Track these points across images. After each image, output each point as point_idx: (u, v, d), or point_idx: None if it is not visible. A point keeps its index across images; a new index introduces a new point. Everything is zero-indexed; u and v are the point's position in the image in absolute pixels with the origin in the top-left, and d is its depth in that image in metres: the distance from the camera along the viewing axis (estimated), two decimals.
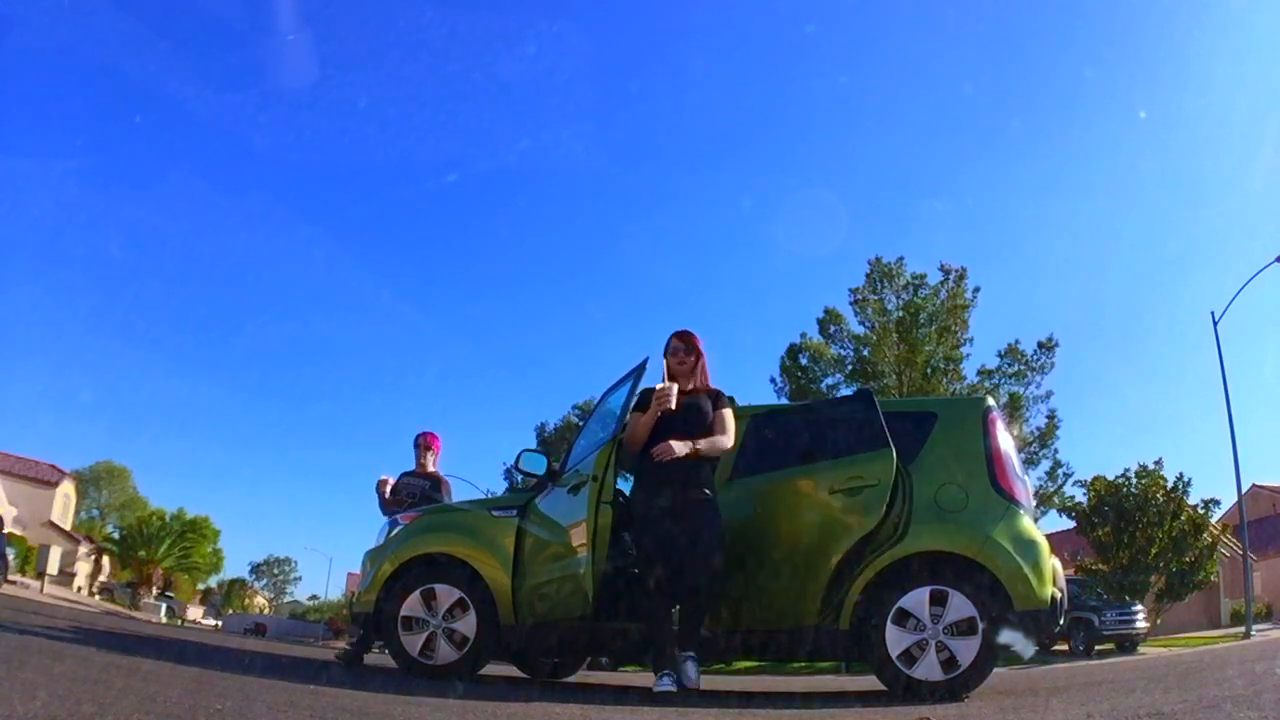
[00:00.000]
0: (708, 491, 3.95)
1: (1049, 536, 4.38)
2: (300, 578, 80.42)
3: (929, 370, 24.17)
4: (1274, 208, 49.86)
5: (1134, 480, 20.40)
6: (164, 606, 38.12)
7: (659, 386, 4.03)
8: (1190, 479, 20.11)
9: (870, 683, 4.84)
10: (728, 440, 4.05)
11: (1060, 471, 24.27)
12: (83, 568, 41.41)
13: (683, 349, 4.19)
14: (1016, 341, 24.84)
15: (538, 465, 4.70)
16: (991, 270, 60.48)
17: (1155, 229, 60.68)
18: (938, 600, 3.77)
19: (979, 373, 24.72)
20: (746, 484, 4.33)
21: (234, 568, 79.89)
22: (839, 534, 3.99)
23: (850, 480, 4.05)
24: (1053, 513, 23.47)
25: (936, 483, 4.05)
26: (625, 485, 4.74)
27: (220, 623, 43.48)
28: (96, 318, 75.15)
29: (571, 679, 5.76)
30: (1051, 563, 4.02)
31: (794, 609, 4.02)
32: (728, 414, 4.11)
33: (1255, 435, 62.58)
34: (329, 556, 77.98)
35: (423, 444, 6.43)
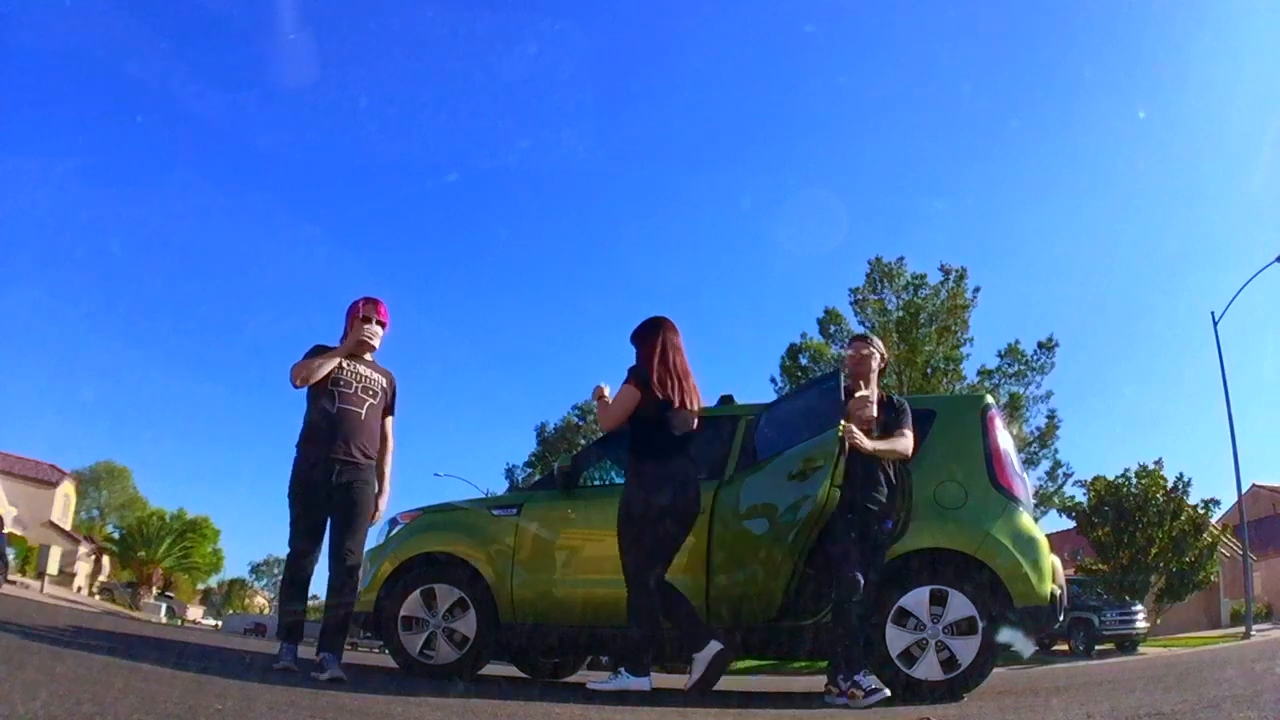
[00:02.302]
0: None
1: (1049, 536, 4.39)
2: None
3: (929, 370, 24.17)
4: (1274, 208, 49.87)
5: (1134, 480, 20.41)
6: (164, 606, 38.13)
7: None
8: (1190, 479, 20.17)
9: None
10: (606, 412, 4.04)
11: (1060, 471, 24.28)
12: (83, 568, 41.40)
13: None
14: (1016, 341, 24.86)
15: None
16: (991, 270, 60.44)
17: (1155, 229, 60.65)
18: (937, 600, 3.78)
19: (979, 373, 24.72)
20: (738, 481, 4.33)
21: (234, 568, 79.99)
22: (796, 521, 3.91)
23: (805, 464, 3.98)
24: (1053, 513, 23.49)
25: (936, 480, 4.05)
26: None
27: (220, 623, 43.47)
28: (97, 317, 75.24)
29: (571, 679, 5.76)
30: (1051, 560, 4.03)
31: (765, 603, 3.96)
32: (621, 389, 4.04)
33: (1255, 435, 62.56)
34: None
35: (376, 319, 4.26)
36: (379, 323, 4.28)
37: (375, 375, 4.25)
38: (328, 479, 3.93)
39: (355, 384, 4.14)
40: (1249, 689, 3.34)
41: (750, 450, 4.45)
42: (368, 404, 4.15)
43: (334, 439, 4.00)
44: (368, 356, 4.26)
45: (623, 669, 3.70)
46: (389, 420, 4.31)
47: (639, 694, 3.58)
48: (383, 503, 4.18)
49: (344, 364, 4.12)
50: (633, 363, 4.07)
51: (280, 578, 4.24)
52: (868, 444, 3.76)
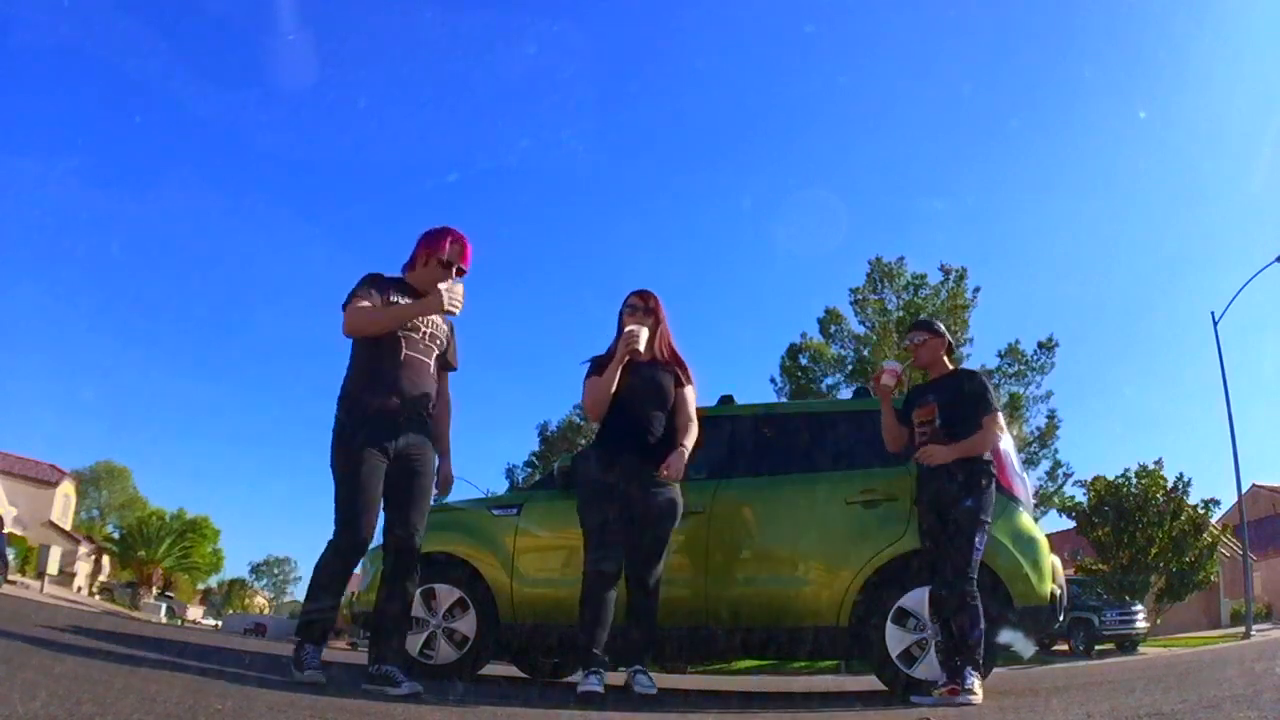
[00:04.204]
0: (670, 485, 3.60)
1: (1049, 536, 4.39)
2: (300, 578, 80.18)
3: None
4: (1274, 208, 49.95)
5: (1134, 480, 20.42)
6: (164, 606, 38.10)
7: (628, 329, 3.59)
8: (1190, 479, 20.19)
9: (870, 683, 4.84)
10: (694, 428, 3.68)
11: (1060, 471, 24.31)
12: (83, 568, 41.40)
13: (641, 308, 3.72)
14: (1016, 341, 24.88)
15: None
16: (991, 270, 60.58)
17: (1155, 229, 60.82)
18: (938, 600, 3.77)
19: None
20: (745, 484, 4.35)
21: (234, 568, 79.93)
22: (861, 544, 4.02)
23: (866, 492, 4.09)
24: (1053, 513, 23.51)
25: None
26: None
27: (220, 623, 43.45)
28: (97, 317, 75.57)
29: (572, 679, 5.75)
30: (1051, 560, 4.03)
31: (809, 611, 4.06)
32: (690, 396, 3.72)
33: (1255, 435, 62.64)
34: None
35: (459, 265, 3.46)
36: (461, 271, 3.46)
37: (438, 319, 3.50)
38: (390, 440, 3.24)
39: (423, 328, 3.41)
40: (1249, 689, 3.33)
41: (750, 452, 4.47)
42: (434, 354, 3.45)
43: (399, 392, 3.28)
44: None
45: (598, 668, 3.44)
46: (446, 375, 3.60)
47: (644, 696, 3.49)
48: (449, 473, 3.54)
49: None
50: (677, 352, 3.77)
51: (320, 567, 3.20)
52: (941, 456, 3.66)
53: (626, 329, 3.59)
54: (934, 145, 68.24)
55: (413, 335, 3.37)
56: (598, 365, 3.70)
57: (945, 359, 3.95)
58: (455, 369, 3.62)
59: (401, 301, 3.36)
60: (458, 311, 3.35)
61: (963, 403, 3.74)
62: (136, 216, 69.13)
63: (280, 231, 78.48)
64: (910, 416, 3.85)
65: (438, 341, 3.48)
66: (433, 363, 3.43)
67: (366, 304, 3.30)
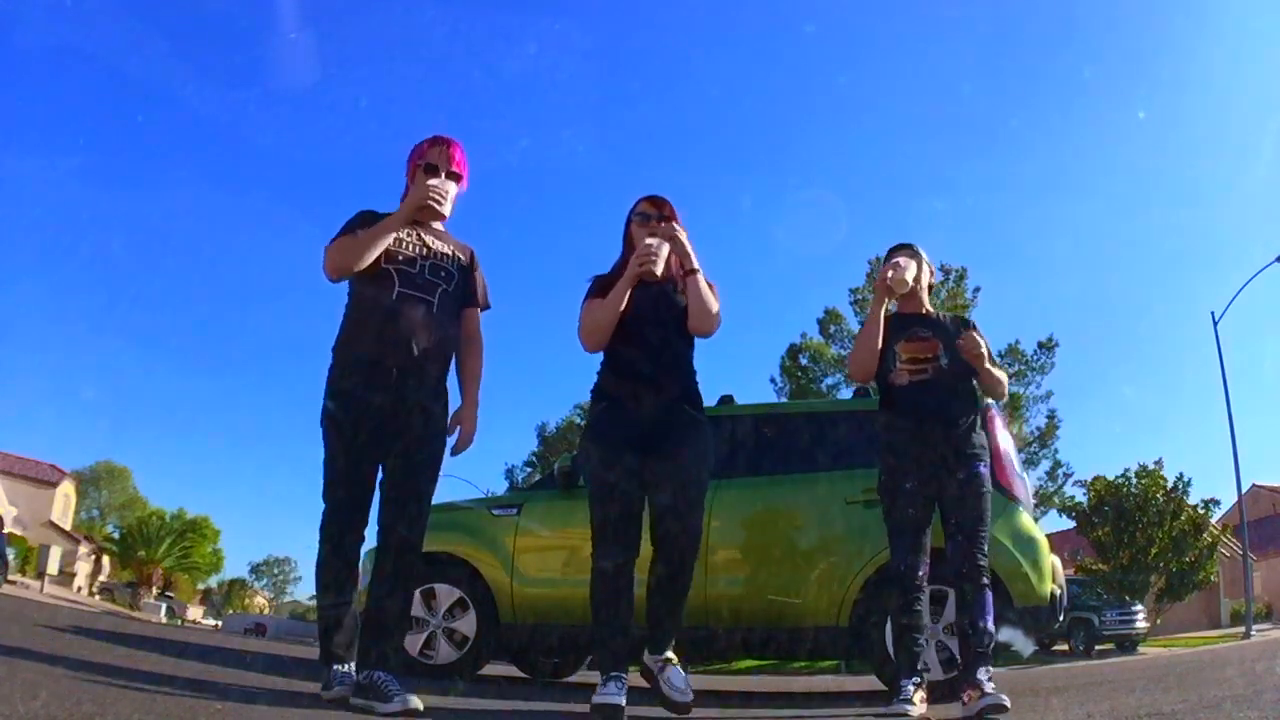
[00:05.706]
0: (690, 409, 2.87)
1: (1049, 536, 4.40)
2: (300, 578, 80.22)
3: None
4: (1274, 208, 49.96)
5: (1134, 480, 20.40)
6: (164, 606, 38.11)
7: (645, 242, 2.79)
8: (1190, 479, 20.15)
9: (870, 683, 4.84)
10: (716, 303, 2.86)
11: (1060, 471, 24.30)
12: (83, 568, 41.41)
13: (654, 217, 2.92)
14: (1016, 341, 24.86)
15: None
16: (991, 270, 60.52)
17: (1155, 229, 60.81)
18: (937, 599, 3.78)
19: None
20: (748, 484, 4.36)
21: (234, 568, 79.85)
22: (861, 544, 4.04)
23: (867, 492, 4.07)
24: (1053, 513, 23.51)
25: None
26: None
27: (220, 623, 43.47)
28: (98, 316, 75.69)
29: (572, 679, 5.75)
30: (1051, 560, 4.04)
31: (808, 610, 4.07)
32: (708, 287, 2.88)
33: (1255, 435, 62.51)
34: None
35: (447, 168, 2.86)
36: (451, 174, 2.86)
37: (447, 250, 2.89)
38: (383, 398, 2.68)
39: (421, 261, 2.80)
40: (1249, 689, 3.33)
41: (750, 452, 4.48)
42: (440, 290, 2.81)
43: (392, 339, 2.70)
44: (438, 225, 2.92)
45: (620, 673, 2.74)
46: (472, 314, 2.97)
47: (671, 701, 2.85)
48: (472, 427, 2.97)
49: (404, 233, 2.80)
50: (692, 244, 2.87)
51: (318, 566, 2.74)
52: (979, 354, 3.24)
53: (644, 241, 2.81)
54: (934, 145, 68.37)
55: (407, 269, 2.75)
56: (600, 285, 2.91)
57: (924, 296, 3.51)
58: (485, 307, 3.00)
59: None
60: (442, 209, 2.78)
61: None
62: (138, 215, 69.46)
63: (282, 230, 78.54)
64: (893, 347, 3.37)
65: (445, 275, 2.83)
66: (436, 300, 2.78)
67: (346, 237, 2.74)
